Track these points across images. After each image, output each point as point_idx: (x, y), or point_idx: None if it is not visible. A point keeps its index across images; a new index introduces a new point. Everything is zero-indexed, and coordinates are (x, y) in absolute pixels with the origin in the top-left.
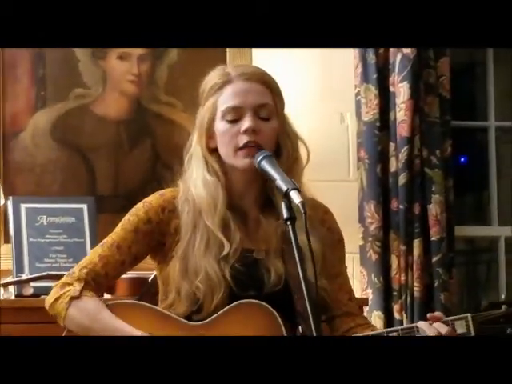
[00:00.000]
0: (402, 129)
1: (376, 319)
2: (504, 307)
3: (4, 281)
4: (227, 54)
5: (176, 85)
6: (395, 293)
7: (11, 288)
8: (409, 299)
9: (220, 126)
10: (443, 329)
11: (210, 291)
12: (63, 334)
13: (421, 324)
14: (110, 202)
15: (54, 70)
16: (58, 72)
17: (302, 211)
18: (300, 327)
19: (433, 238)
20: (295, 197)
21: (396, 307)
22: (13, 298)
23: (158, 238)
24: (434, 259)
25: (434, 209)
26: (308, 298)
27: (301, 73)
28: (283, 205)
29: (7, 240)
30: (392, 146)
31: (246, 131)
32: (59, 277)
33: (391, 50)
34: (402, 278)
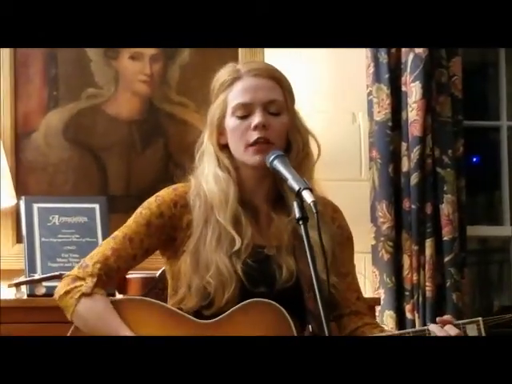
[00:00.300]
0: (414, 128)
1: (388, 319)
2: None
3: (16, 280)
4: (239, 53)
5: (188, 85)
6: (407, 293)
7: (23, 288)
8: (421, 299)
9: (230, 122)
10: (454, 332)
11: (221, 286)
12: (70, 329)
13: (432, 327)
14: (122, 202)
15: (67, 69)
16: (71, 72)
17: (314, 211)
18: (310, 326)
19: (445, 238)
20: (307, 196)
21: (408, 307)
22: (25, 297)
23: (169, 233)
24: (446, 259)
25: (446, 208)
26: (320, 298)
27: (313, 72)
28: (295, 204)
29: (20, 240)
30: (404, 145)
31: (256, 127)
32: None
33: (403, 49)
34: (414, 278)
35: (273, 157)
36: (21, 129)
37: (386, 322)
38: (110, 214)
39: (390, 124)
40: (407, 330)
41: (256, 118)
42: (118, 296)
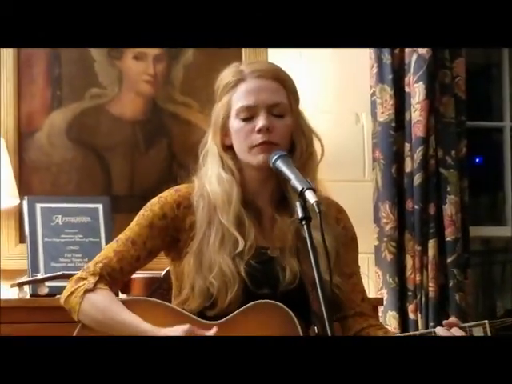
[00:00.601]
0: (418, 129)
1: (391, 319)
2: None
3: (19, 280)
4: (243, 53)
5: (192, 85)
6: (410, 293)
7: (26, 287)
8: (423, 299)
9: (234, 124)
10: (460, 335)
11: (224, 287)
12: (76, 330)
13: (438, 330)
14: (126, 202)
15: (70, 69)
16: (74, 72)
17: (317, 211)
18: (315, 327)
19: (448, 239)
20: (310, 196)
21: (411, 307)
22: (28, 297)
23: (172, 234)
24: (449, 259)
25: (449, 209)
26: (323, 298)
27: (316, 73)
28: (298, 204)
29: (22, 240)
30: (407, 146)
31: (260, 130)
32: None
33: (407, 50)
34: (417, 279)
35: (275, 157)
36: (24, 128)
37: (389, 322)
38: (114, 214)
39: (393, 125)
40: (414, 333)
41: (260, 122)
42: (122, 296)
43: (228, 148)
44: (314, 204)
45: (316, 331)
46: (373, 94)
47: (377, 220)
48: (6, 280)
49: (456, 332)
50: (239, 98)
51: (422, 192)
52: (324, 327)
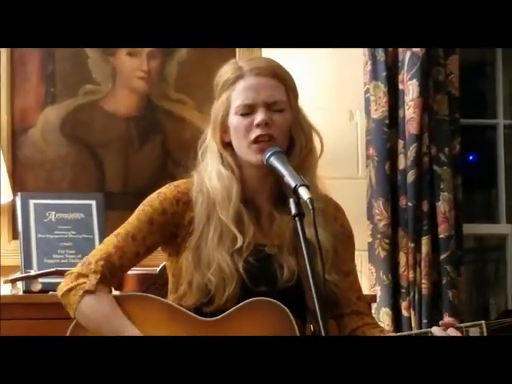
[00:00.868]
0: (411, 126)
1: (384, 316)
2: None
3: (12, 277)
4: (237, 51)
5: (186, 82)
6: (403, 290)
7: (19, 284)
8: (417, 296)
9: (234, 120)
10: (457, 335)
11: (221, 283)
12: (70, 327)
13: (435, 329)
14: (120, 199)
15: (64, 66)
16: (68, 68)
17: (311, 207)
18: (311, 325)
19: (441, 236)
20: (304, 193)
21: (404, 304)
22: (21, 293)
23: (171, 230)
24: (442, 257)
25: (442, 206)
26: (316, 294)
27: (310, 70)
28: (291, 201)
29: (16, 236)
30: (401, 143)
31: (258, 125)
32: None
33: (400, 47)
34: (410, 276)
35: (269, 153)
36: (18, 125)
37: (382, 319)
38: (107, 211)
39: (386, 122)
40: (410, 332)
41: (259, 116)
42: (115, 292)
43: (227, 145)
44: (308, 201)
45: (312, 329)
46: (367, 92)
47: (370, 217)
48: None
49: (452, 332)
50: (238, 96)
51: (416, 189)
52: (318, 325)
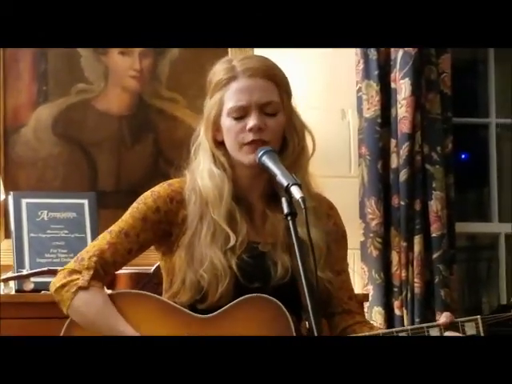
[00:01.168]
0: (403, 125)
1: (376, 315)
2: None
3: (4, 276)
4: (229, 51)
5: (178, 80)
6: (396, 289)
7: (12, 283)
8: (409, 295)
9: (226, 122)
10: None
11: (214, 280)
12: (64, 326)
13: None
14: (112, 198)
15: (56, 65)
16: (60, 67)
17: (303, 206)
18: (306, 322)
19: (433, 235)
20: (296, 192)
21: (396, 303)
22: (13, 293)
23: (165, 228)
24: (435, 255)
25: (434, 205)
26: (308, 294)
27: (302, 69)
28: (284, 200)
29: (8, 235)
30: (393, 142)
31: (251, 129)
32: None
33: None
34: (403, 274)
35: (261, 153)
36: (10, 124)
37: (375, 318)
38: (100, 210)
39: (379, 121)
40: (406, 328)
41: (251, 121)
42: (108, 291)
43: (220, 144)
44: (300, 200)
45: (307, 326)
46: (359, 90)
47: (363, 216)
48: None
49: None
50: (231, 98)
51: (408, 188)
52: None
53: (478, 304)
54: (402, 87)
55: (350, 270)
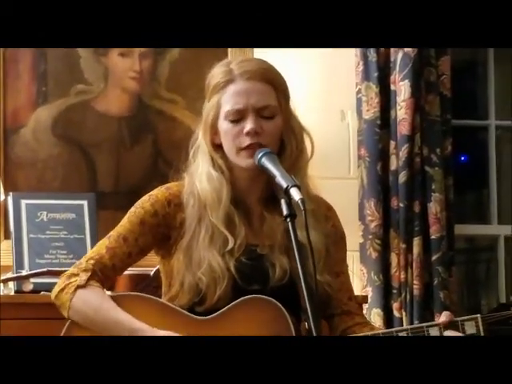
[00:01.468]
0: (403, 127)
1: (375, 317)
2: None
3: (4, 277)
4: (229, 51)
5: (177, 81)
6: (395, 291)
7: (11, 284)
8: (408, 297)
9: (223, 125)
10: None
11: (212, 283)
12: (65, 327)
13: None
14: (111, 199)
15: (56, 65)
16: (60, 68)
17: (302, 208)
18: (306, 323)
19: (432, 237)
20: (295, 194)
21: (395, 305)
22: (12, 293)
23: (163, 231)
24: (434, 257)
25: (433, 207)
26: (308, 296)
27: (302, 70)
28: (283, 202)
29: (7, 236)
30: (392, 144)
31: (248, 133)
32: (59, 273)
33: (392, 48)
34: (402, 276)
35: (260, 154)
36: (9, 124)
37: (374, 319)
38: (99, 211)
39: (378, 122)
40: (405, 327)
41: (248, 125)
42: (108, 293)
43: (218, 146)
44: (299, 201)
45: (307, 327)
46: (358, 92)
47: (362, 217)
48: None
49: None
50: (228, 101)
51: (407, 190)
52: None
53: (477, 306)
54: (402, 89)
55: (350, 272)
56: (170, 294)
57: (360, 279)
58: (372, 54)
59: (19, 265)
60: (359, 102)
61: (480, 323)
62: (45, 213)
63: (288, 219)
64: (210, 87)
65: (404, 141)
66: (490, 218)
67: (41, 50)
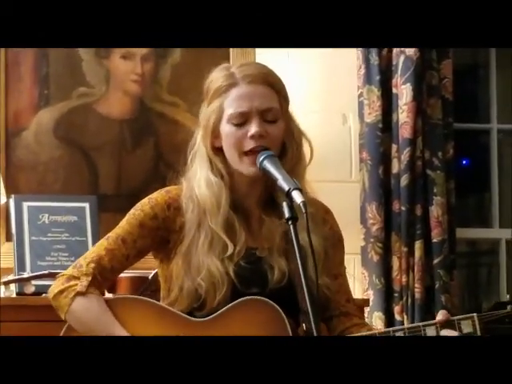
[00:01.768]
0: (405, 130)
1: (377, 320)
2: (510, 307)
3: (5, 279)
4: (230, 53)
5: (179, 84)
6: (396, 294)
7: (12, 286)
8: (410, 301)
9: (226, 128)
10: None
11: (212, 288)
12: (63, 329)
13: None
14: (113, 201)
15: (58, 68)
16: (62, 71)
17: (304, 211)
18: (304, 324)
19: (434, 240)
20: (297, 197)
21: (397, 308)
22: (14, 296)
23: (162, 235)
24: (435, 261)
25: (435, 210)
26: (309, 297)
27: (303, 73)
28: (285, 204)
29: (9, 238)
30: (394, 147)
31: (252, 136)
32: None
33: (394, 51)
34: (403, 280)
35: (262, 157)
36: (11, 127)
37: (375, 323)
38: (101, 213)
39: (380, 126)
40: (402, 327)
41: (253, 128)
42: (108, 295)
43: (218, 150)
44: (301, 204)
45: (304, 329)
46: (360, 95)
47: (363, 221)
48: None
49: (447, 333)
50: (231, 104)
51: (409, 193)
52: (311, 326)
53: (478, 309)
54: (404, 92)
55: (351, 276)
56: (170, 299)
57: (361, 282)
58: (374, 57)
59: (21, 267)
60: (361, 105)
61: (476, 322)
62: (46, 215)
63: (290, 222)
64: (211, 91)
65: (406, 144)
66: (491, 222)
67: (43, 53)
